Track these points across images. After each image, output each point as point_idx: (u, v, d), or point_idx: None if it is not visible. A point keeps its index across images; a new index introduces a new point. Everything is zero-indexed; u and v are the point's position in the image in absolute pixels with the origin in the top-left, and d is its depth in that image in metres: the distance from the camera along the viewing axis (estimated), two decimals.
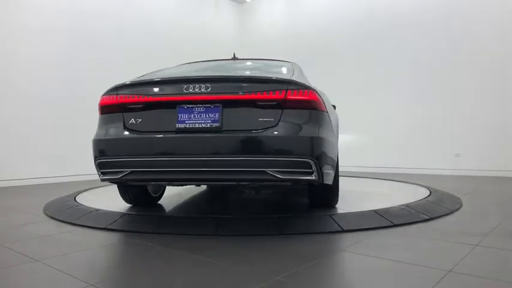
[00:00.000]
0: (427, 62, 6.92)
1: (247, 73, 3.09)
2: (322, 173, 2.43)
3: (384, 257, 1.96)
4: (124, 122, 2.56)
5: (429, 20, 6.90)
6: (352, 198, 3.66)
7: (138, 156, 2.48)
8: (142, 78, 2.69)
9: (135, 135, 2.50)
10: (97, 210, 3.11)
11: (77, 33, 6.34)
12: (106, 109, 2.65)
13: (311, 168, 2.34)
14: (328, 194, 2.98)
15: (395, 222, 2.65)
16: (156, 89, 2.55)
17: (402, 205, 3.07)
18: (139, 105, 2.54)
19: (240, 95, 2.41)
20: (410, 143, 7.06)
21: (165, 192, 3.70)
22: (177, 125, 2.43)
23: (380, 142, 7.21)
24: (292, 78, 2.48)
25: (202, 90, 2.42)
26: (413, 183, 4.65)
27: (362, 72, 7.62)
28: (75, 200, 3.57)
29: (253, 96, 2.38)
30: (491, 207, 3.49)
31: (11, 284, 1.73)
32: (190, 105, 2.45)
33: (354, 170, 6.90)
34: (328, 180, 2.60)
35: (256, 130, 2.36)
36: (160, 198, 3.60)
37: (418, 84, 7.00)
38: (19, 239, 2.51)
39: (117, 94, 2.61)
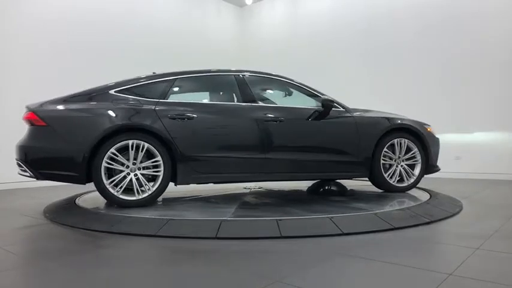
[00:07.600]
0: (427, 64, 6.92)
1: None
2: (39, 173, 3.13)
3: (385, 261, 1.96)
4: None
5: (430, 21, 6.90)
6: (352, 201, 3.65)
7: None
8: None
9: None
10: (96, 212, 3.11)
11: (75, 32, 6.36)
12: None
13: (23, 167, 3.18)
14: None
15: (396, 225, 2.65)
16: None
17: (402, 208, 3.06)
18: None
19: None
20: None
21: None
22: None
23: None
24: (34, 104, 3.25)
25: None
26: None
27: (362, 74, 7.62)
28: (75, 202, 3.57)
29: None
30: (492, 210, 3.48)
31: (10, 286, 1.73)
32: None
33: None
34: (45, 177, 3.23)
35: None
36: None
37: (419, 87, 7.00)
38: (19, 241, 2.51)
39: None
